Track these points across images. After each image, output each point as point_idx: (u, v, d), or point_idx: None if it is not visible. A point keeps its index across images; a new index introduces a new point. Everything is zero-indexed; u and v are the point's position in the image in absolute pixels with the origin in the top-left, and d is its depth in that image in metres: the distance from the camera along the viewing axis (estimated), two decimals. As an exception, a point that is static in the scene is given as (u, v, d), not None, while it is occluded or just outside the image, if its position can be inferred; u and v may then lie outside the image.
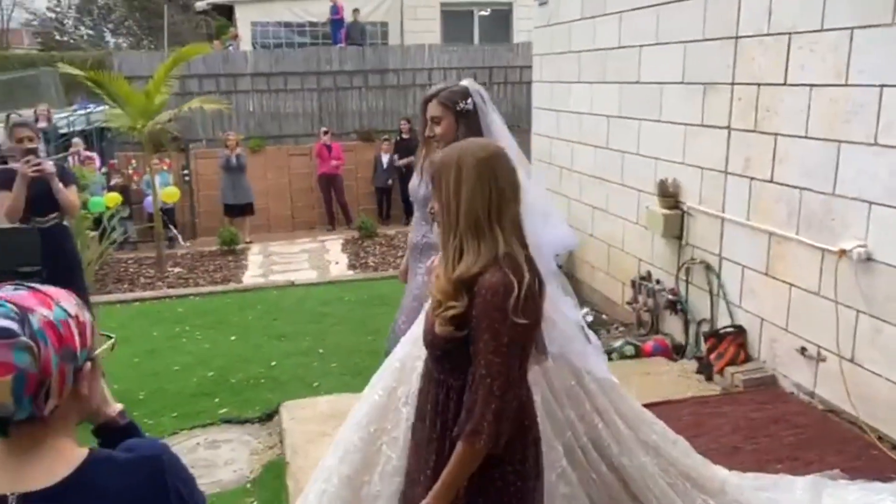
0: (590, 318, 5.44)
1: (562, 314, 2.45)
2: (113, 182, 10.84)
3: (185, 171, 11.89)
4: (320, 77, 13.45)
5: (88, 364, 1.18)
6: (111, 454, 1.18)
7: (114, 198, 9.77)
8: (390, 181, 12.29)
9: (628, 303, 5.87)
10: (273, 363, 5.54)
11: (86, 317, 1.20)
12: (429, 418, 1.97)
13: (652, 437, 2.70)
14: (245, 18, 16.59)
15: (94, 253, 8.35)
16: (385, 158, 12.26)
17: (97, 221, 9.10)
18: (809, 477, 3.36)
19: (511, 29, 16.78)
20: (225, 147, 11.00)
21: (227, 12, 18.15)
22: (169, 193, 10.47)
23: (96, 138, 12.68)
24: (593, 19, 6.35)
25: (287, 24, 16.58)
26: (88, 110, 13.28)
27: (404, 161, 11.60)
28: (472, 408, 1.73)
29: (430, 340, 1.90)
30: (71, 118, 13.21)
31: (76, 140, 11.18)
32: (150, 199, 10.14)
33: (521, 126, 13.23)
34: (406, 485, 2.20)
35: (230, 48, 16.11)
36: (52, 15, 31.98)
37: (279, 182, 12.55)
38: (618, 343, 5.19)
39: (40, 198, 4.45)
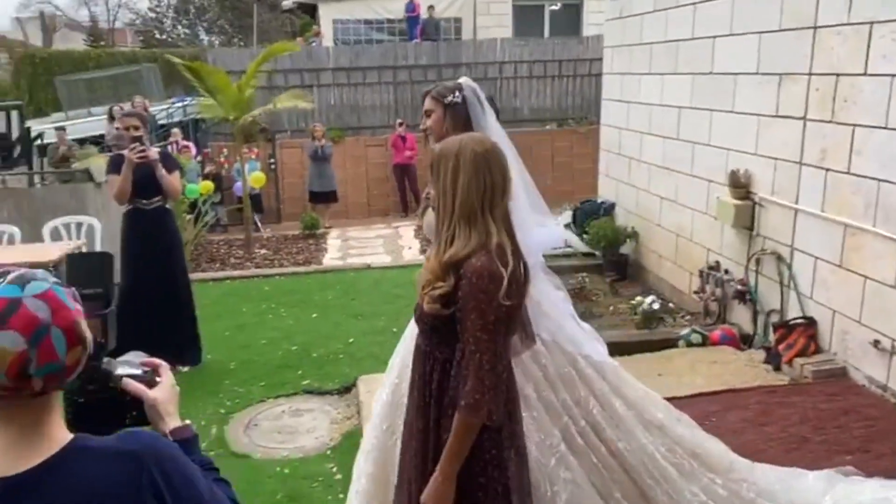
0: (656, 306, 5.31)
1: (551, 303, 2.46)
2: (206, 170, 11.23)
3: (272, 160, 12.20)
4: (396, 71, 13.56)
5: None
6: (92, 442, 1.12)
7: (207, 186, 10.13)
8: None
9: (696, 292, 5.70)
10: (351, 340, 5.65)
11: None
12: (417, 388, 2.03)
13: (657, 415, 2.62)
14: (327, 16, 16.84)
15: (189, 235, 8.69)
16: None
17: (192, 206, 9.47)
18: (823, 471, 3.18)
19: (581, 23, 16.46)
20: (312, 138, 11.22)
21: (311, 10, 18.48)
22: (256, 178, 10.78)
23: (192, 129, 13.16)
24: (666, 11, 6.16)
25: (366, 22, 16.75)
26: (185, 103, 13.79)
27: None
28: (465, 383, 1.78)
29: (419, 316, 1.96)
30: (169, 110, 13.75)
31: (175, 130, 11.64)
32: (239, 183, 10.48)
33: (588, 118, 13.04)
34: (400, 457, 2.22)
35: (313, 45, 16.40)
36: (153, 15, 33.28)
37: (357, 171, 12.74)
38: (685, 331, 5.05)
39: (145, 182, 4.66)
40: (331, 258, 9.21)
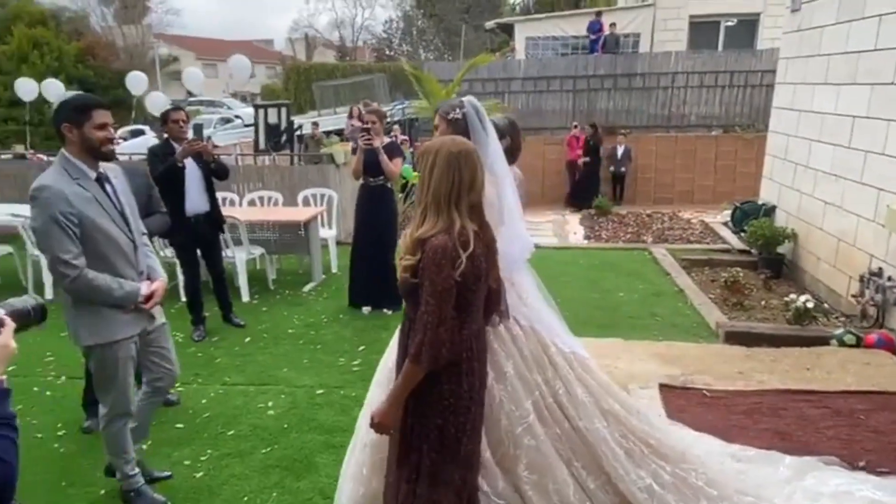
0: (810, 305, 4.68)
1: (533, 295, 2.46)
2: (416, 159, 11.73)
3: (468, 153, 12.47)
4: (576, 80, 13.16)
5: None
6: None
7: (416, 175, 10.61)
8: (623, 168, 11.72)
9: (853, 295, 4.95)
10: (520, 305, 5.64)
11: None
12: (400, 343, 2.08)
13: (615, 406, 2.48)
14: (521, 34, 16.74)
15: (400, 207, 9.16)
16: (620, 149, 11.68)
17: (403, 186, 9.97)
18: (801, 458, 2.85)
19: (756, 37, 14.78)
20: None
21: (509, 30, 18.49)
22: None
23: (408, 126, 13.84)
24: (848, 23, 5.30)
25: (554, 38, 16.42)
26: (404, 105, 14.53)
27: (584, 160, 11.30)
28: (414, 337, 1.85)
29: (399, 283, 1.97)
30: (392, 111, 14.57)
31: (395, 126, 12.32)
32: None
33: (755, 126, 11.72)
34: None
35: (508, 58, 16.43)
36: (385, 36, 35.32)
37: (535, 165, 12.57)
38: (838, 331, 4.41)
39: (373, 164, 4.98)
40: (508, 236, 9.23)
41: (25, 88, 11.68)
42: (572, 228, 9.76)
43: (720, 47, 14.86)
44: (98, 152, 2.54)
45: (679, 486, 2.40)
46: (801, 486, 2.66)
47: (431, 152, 1.90)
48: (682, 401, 3.60)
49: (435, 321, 1.80)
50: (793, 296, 4.91)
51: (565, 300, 5.73)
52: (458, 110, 2.45)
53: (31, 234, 5.96)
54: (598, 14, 15.40)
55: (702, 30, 15.17)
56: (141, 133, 17.35)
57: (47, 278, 6.04)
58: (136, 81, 12.01)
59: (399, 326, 2.17)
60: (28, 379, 4.23)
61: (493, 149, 2.40)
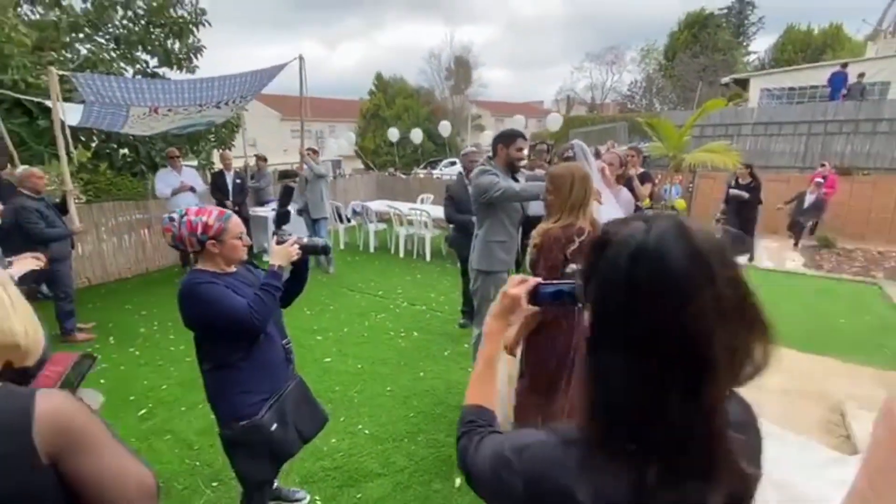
0: None
1: None
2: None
3: (691, 185, 11.18)
4: (811, 125, 10.61)
5: (211, 242, 1.52)
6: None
7: (681, 201, 9.94)
8: (803, 220, 9.09)
9: None
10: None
11: (217, 224, 1.51)
12: None
13: None
14: (756, 86, 14.14)
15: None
16: (810, 198, 9.07)
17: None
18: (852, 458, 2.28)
19: None
20: (735, 174, 9.86)
21: (743, 84, 15.76)
22: (680, 203, 10.08)
23: (642, 162, 12.94)
24: None
25: (790, 89, 13.45)
26: (640, 145, 13.63)
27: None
28: None
29: (530, 256, 2.11)
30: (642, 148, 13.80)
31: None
32: (665, 198, 10.00)
33: None
34: None
35: (740, 107, 14.04)
36: (629, 93, 33.13)
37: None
38: None
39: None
40: (722, 256, 8.06)
41: (393, 134, 14.71)
42: (790, 256, 8.03)
43: None
44: (513, 166, 2.74)
45: None
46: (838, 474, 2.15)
47: (568, 175, 2.09)
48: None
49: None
50: None
51: (776, 317, 4.83)
52: (569, 150, 2.60)
53: (400, 215, 7.42)
54: (845, 66, 12.06)
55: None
56: (454, 164, 19.77)
57: (401, 244, 7.50)
58: (443, 128, 14.02)
59: None
60: (387, 300, 5.33)
61: (594, 174, 2.53)
